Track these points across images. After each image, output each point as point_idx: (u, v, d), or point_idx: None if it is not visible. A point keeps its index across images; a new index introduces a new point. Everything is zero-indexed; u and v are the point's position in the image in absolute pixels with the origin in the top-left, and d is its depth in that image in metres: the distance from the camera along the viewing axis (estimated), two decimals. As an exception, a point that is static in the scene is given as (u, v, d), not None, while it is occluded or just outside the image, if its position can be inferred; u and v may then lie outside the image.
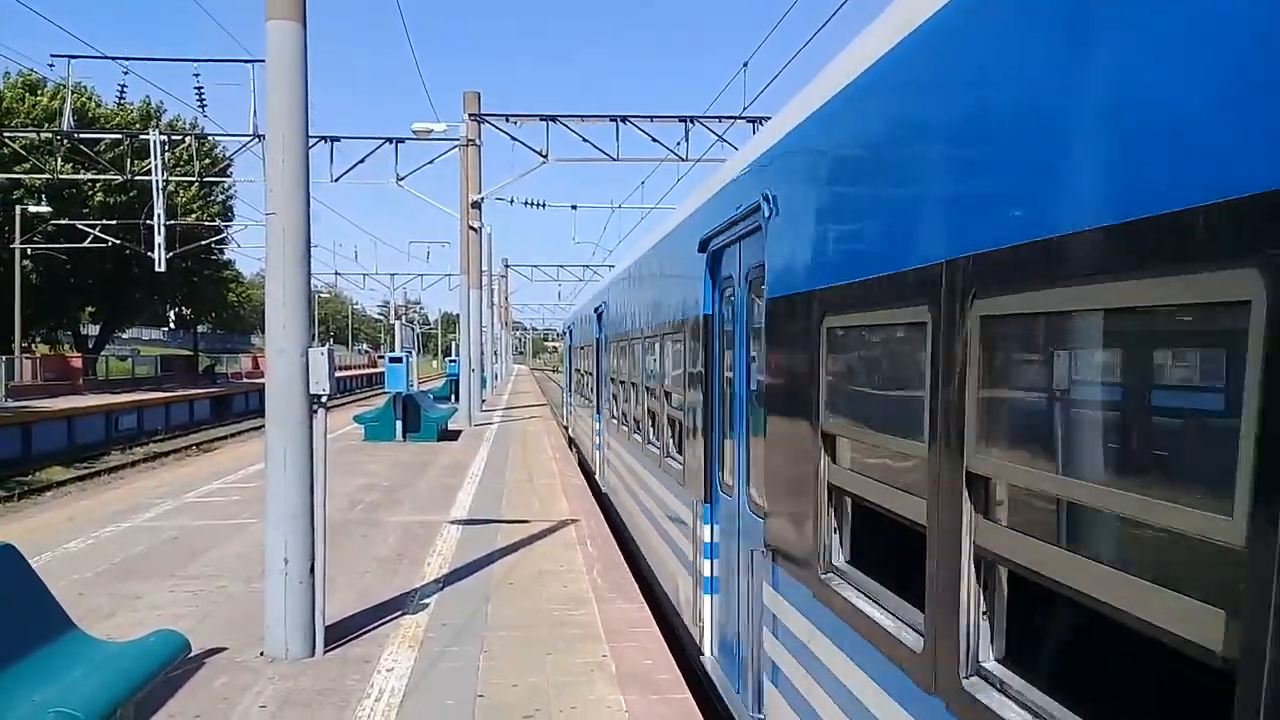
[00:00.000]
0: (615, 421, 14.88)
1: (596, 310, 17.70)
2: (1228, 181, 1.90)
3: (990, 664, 2.94)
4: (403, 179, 31.95)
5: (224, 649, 8.09)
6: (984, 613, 2.96)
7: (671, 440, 9.37)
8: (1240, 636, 1.85)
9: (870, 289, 3.80)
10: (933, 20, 3.32)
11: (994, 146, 2.98)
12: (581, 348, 22.02)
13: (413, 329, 34.32)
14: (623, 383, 13.75)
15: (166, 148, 35.41)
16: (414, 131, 31.33)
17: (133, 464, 32.39)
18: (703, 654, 7.51)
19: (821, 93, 4.60)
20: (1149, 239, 2.16)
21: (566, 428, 29.59)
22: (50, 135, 37.08)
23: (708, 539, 7.43)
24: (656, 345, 10.20)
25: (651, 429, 10.81)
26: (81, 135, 36.95)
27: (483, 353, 39.54)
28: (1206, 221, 1.96)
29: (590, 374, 19.76)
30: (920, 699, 3.25)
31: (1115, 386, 2.68)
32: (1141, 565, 2.43)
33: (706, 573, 7.46)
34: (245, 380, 69.85)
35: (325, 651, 7.98)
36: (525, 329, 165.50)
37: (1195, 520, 2.03)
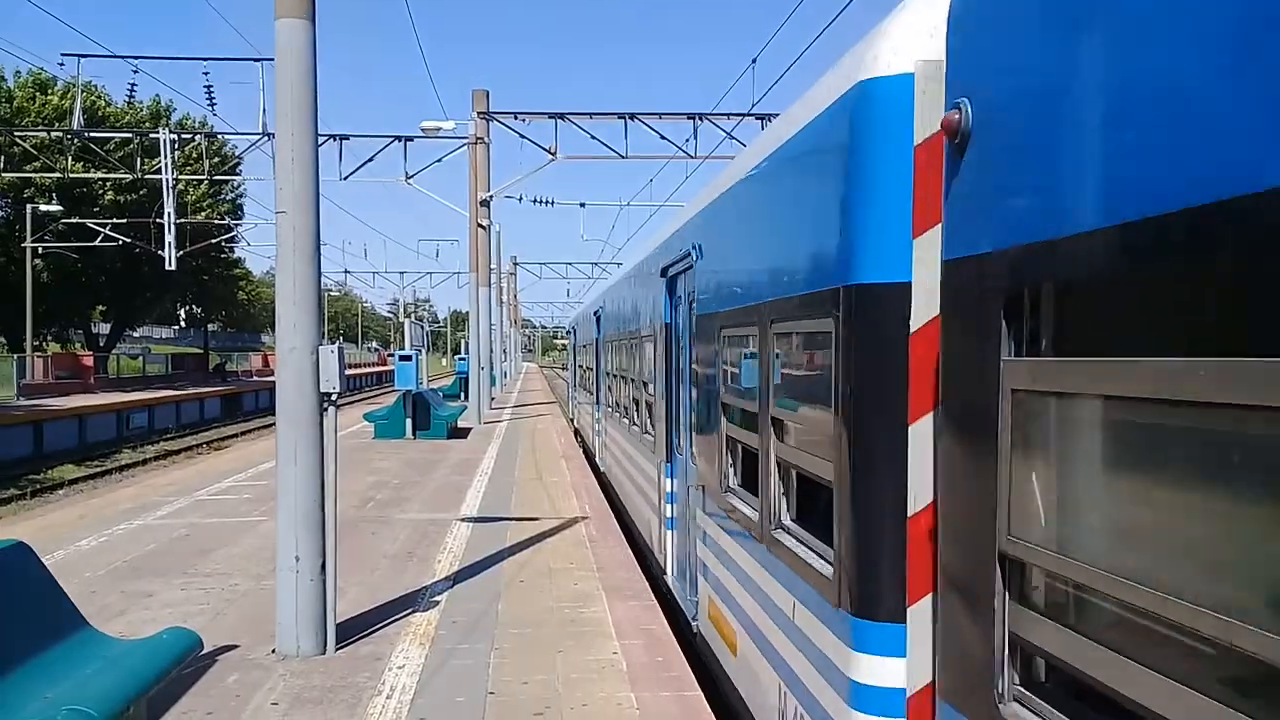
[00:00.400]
0: (609, 409, 17.33)
1: (595, 314, 19.87)
2: None
3: (787, 522, 5.37)
4: (412, 177, 32.02)
5: (236, 646, 8.11)
6: (782, 494, 5.43)
7: (647, 419, 11.73)
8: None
9: (740, 314, 6.17)
10: (754, 165, 6.04)
11: (781, 236, 5.42)
12: (583, 346, 24.42)
13: (422, 327, 34.36)
14: (614, 376, 16.05)
15: (176, 146, 35.52)
16: (423, 129, 31.37)
17: (144, 462, 32.49)
18: (665, 574, 10.00)
19: (718, 185, 7.32)
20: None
21: (572, 419, 32.01)
22: (60, 134, 37.27)
23: (668, 489, 9.85)
24: (637, 345, 12.54)
25: (634, 412, 13.17)
26: (91, 134, 37.16)
27: (492, 350, 39.56)
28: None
29: (590, 369, 21.94)
30: (757, 547, 5.73)
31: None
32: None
33: (667, 514, 9.88)
34: (256, 378, 69.98)
35: (336, 649, 8.00)
36: (534, 327, 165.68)
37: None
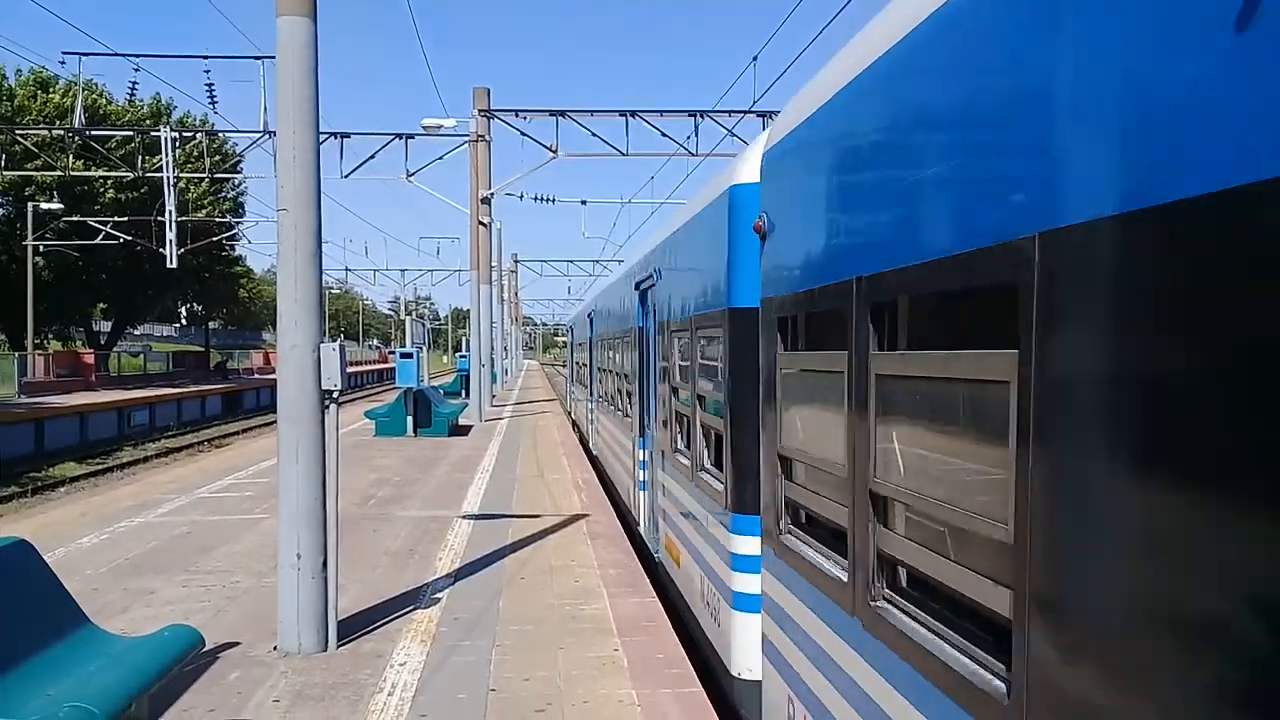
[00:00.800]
0: (600, 399, 20.27)
1: (589, 315, 22.86)
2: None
3: (707, 465, 7.71)
4: (413, 175, 32.01)
5: (237, 644, 8.13)
6: (703, 447, 7.73)
7: (628, 405, 13.97)
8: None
9: (688, 323, 8.26)
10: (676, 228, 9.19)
11: (697, 272, 7.94)
12: (579, 345, 27.66)
13: (423, 324, 34.39)
14: (604, 371, 18.88)
15: (177, 144, 35.50)
16: (424, 127, 31.36)
17: (145, 460, 32.52)
18: (638, 524, 12.57)
19: (669, 225, 10.27)
20: None
21: (569, 412, 35.66)
22: (62, 132, 37.23)
23: (642, 459, 12.17)
24: (620, 344, 15.07)
25: (618, 399, 15.84)
26: (93, 132, 37.13)
27: (493, 348, 39.56)
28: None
29: (585, 365, 24.90)
30: (689, 485, 8.19)
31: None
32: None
33: (641, 478, 12.19)
34: (257, 376, 69.98)
35: (338, 646, 8.01)
36: (535, 324, 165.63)
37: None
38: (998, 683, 2.84)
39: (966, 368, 3.12)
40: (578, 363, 28.93)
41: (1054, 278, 2.48)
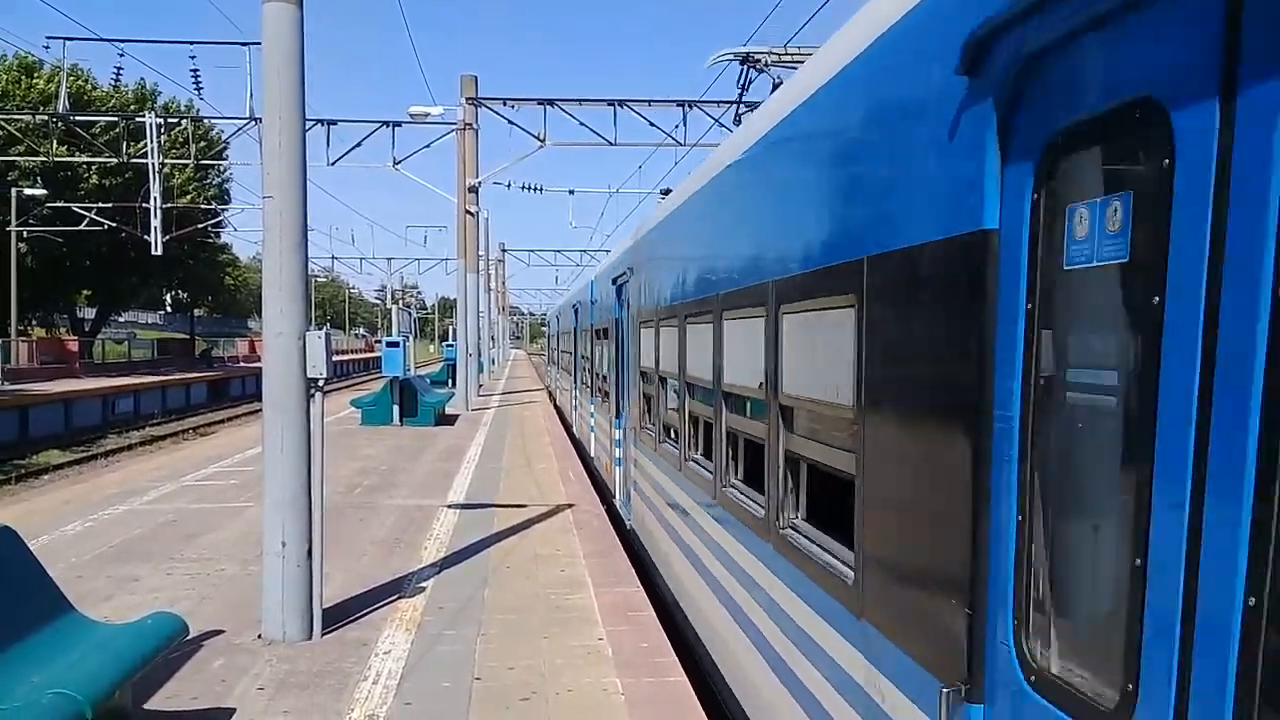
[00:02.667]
0: (581, 383, 22.04)
1: (574, 307, 23.70)
2: None
3: (670, 438, 9.11)
4: (400, 163, 31.87)
5: (222, 631, 8.12)
6: (663, 422, 9.47)
7: (609, 389, 15.19)
8: None
9: (656, 312, 9.40)
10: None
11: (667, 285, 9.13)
12: (564, 333, 29.03)
13: (410, 313, 34.28)
14: (585, 357, 20.52)
15: (162, 130, 35.27)
16: (411, 115, 31.23)
17: (130, 447, 32.40)
18: (614, 498, 14.16)
19: (640, 227, 11.50)
20: None
21: (548, 386, 40.34)
22: (46, 118, 36.93)
23: (618, 437, 13.80)
24: (602, 334, 16.41)
25: (599, 384, 17.19)
26: (77, 118, 36.82)
27: (480, 337, 39.49)
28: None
29: (569, 352, 26.17)
30: (654, 455, 9.78)
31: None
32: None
33: (617, 455, 13.85)
34: (242, 364, 69.83)
35: (323, 634, 8.02)
36: (522, 314, 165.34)
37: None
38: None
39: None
40: (562, 351, 30.60)
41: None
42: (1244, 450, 1.97)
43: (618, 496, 13.66)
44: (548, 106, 29.66)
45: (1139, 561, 2.28)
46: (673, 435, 8.83)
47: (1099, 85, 2.53)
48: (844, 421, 4.17)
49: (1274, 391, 1.93)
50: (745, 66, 10.20)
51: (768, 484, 5.30)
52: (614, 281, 13.36)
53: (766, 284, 5.19)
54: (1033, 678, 2.73)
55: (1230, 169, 2.05)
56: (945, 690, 3.04)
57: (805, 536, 4.81)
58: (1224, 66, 2.07)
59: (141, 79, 55.74)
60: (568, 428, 26.03)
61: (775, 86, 9.07)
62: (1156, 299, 2.23)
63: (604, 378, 16.06)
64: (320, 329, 8.05)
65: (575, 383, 23.63)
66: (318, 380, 7.92)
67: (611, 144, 30.04)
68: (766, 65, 10.03)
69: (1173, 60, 2.24)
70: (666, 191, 14.22)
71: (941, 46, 3.10)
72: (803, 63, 6.65)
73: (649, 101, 29.92)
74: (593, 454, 18.65)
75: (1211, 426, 2.07)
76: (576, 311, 22.47)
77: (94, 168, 48.57)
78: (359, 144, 31.84)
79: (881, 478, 3.74)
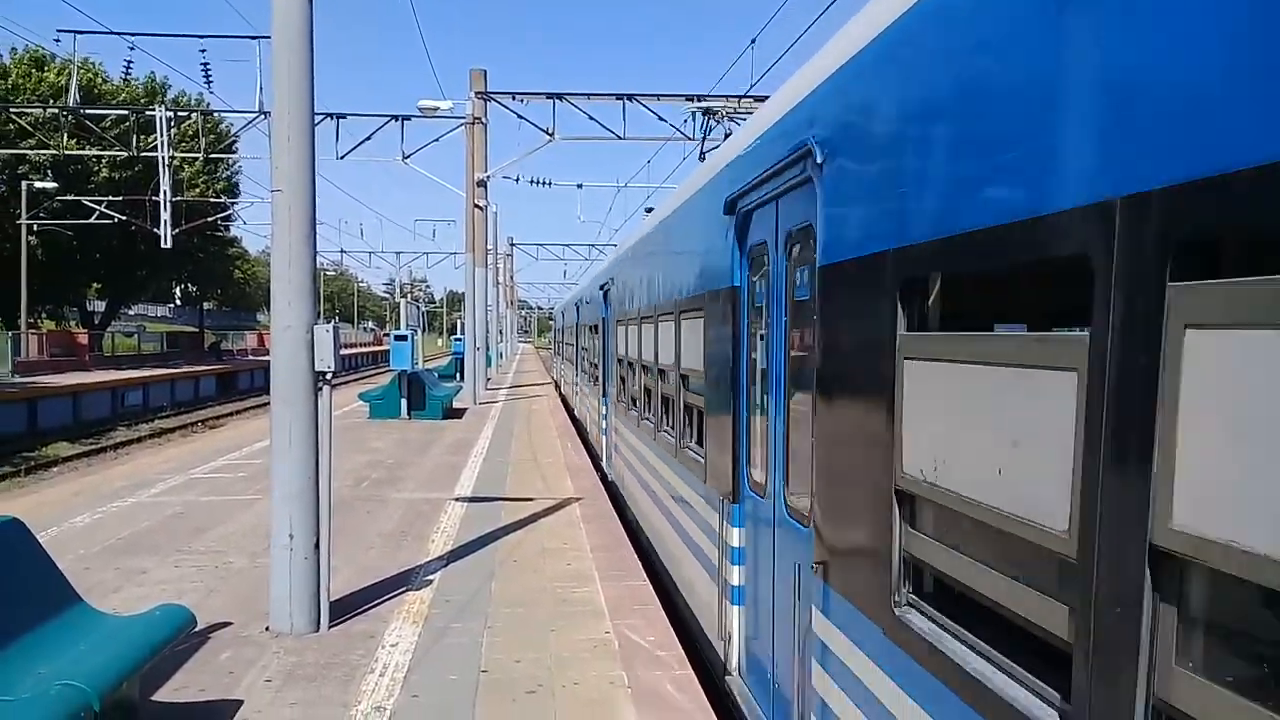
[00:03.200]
0: (579, 370, 26.00)
1: (575, 305, 27.80)
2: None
3: (633, 409, 13.02)
4: (409, 157, 31.94)
5: (229, 624, 8.15)
6: (631, 398, 12.98)
7: (600, 375, 18.59)
8: None
9: (625, 314, 13.16)
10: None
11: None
12: (566, 328, 34.16)
13: (418, 307, 34.34)
14: (583, 348, 24.16)
15: (172, 124, 35.34)
16: (420, 109, 31.26)
17: (138, 440, 32.49)
18: (602, 461, 17.46)
19: (620, 244, 17.11)
20: None
21: (550, 369, 46.63)
22: (56, 111, 37.04)
23: (605, 413, 17.18)
24: (593, 329, 19.64)
25: (591, 370, 21.09)
26: (87, 111, 36.94)
27: (488, 331, 39.51)
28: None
29: (571, 345, 30.87)
30: (619, 416, 14.75)
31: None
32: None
33: (603, 425, 17.45)
34: (251, 357, 69.91)
35: (330, 627, 8.03)
36: (530, 308, 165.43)
37: None
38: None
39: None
40: (566, 343, 36.93)
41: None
42: (741, 388, 6.31)
43: (604, 458, 17.42)
44: (557, 101, 29.64)
45: (746, 427, 6.22)
46: (632, 402, 12.78)
47: (763, 227, 5.78)
48: (695, 380, 8.20)
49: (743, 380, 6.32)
50: (706, 117, 13.79)
51: (674, 421, 9.27)
52: (601, 287, 17.29)
53: (672, 301, 9.13)
54: (754, 488, 6.16)
55: (784, 276, 5.31)
56: (722, 499, 6.78)
57: (689, 450, 8.46)
58: (740, 233, 6.27)
59: (152, 73, 55.82)
60: (570, 412, 29.25)
61: (727, 135, 12.02)
62: (765, 325, 5.76)
63: (594, 365, 20.34)
64: (328, 322, 8.06)
65: (575, 370, 28.27)
66: (325, 374, 7.93)
67: (620, 138, 30.02)
68: (723, 117, 13.35)
69: (768, 224, 5.62)
70: (650, 209, 16.91)
71: (720, 201, 6.53)
72: (750, 113, 9.75)
73: (658, 96, 29.89)
74: (587, 428, 22.72)
75: (755, 381, 6.05)
76: (577, 309, 26.59)
77: (104, 161, 48.67)
78: (368, 138, 32.00)
79: (711, 406, 7.28)
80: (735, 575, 6.45)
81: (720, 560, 6.81)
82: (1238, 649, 2.11)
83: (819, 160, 4.31)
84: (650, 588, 9.47)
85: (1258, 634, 2.07)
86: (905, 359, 3.40)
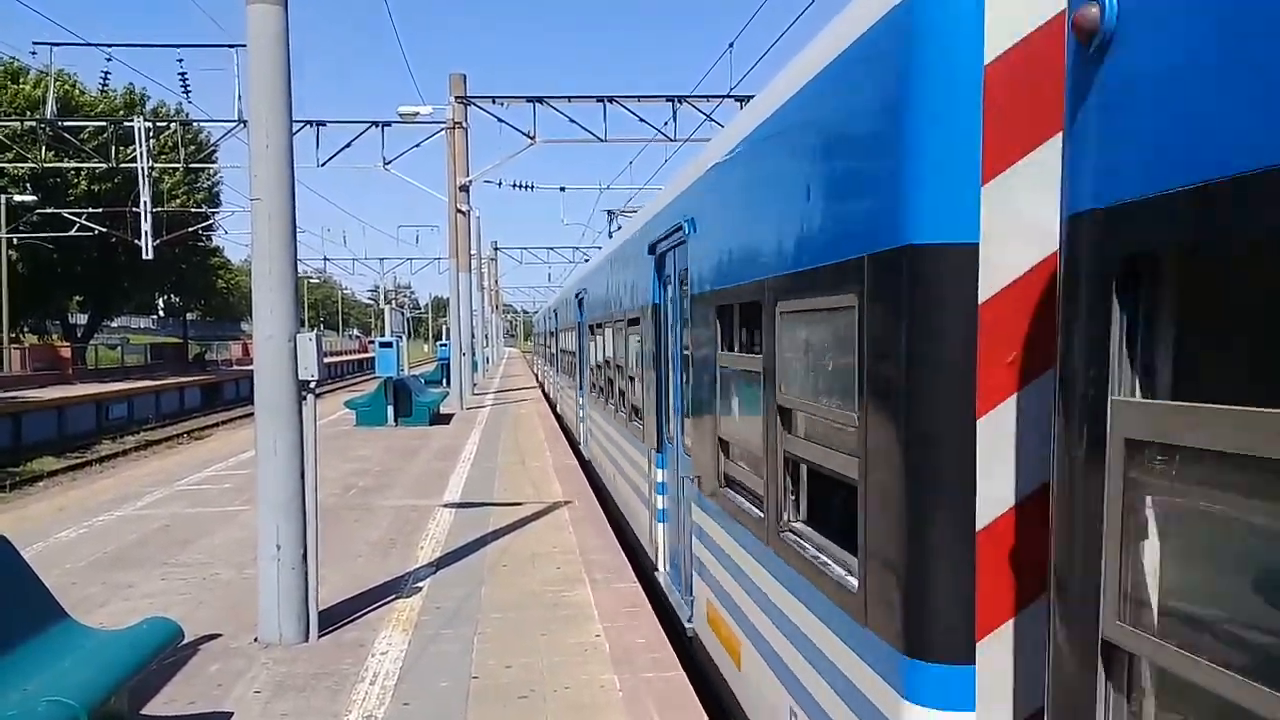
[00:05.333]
0: (560, 369, 27.81)
1: (553, 310, 30.90)
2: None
3: (602, 396, 15.52)
4: (390, 163, 31.83)
5: (218, 635, 8.11)
6: (617, 400, 13.14)
7: (578, 371, 20.20)
8: None
9: (594, 319, 15.84)
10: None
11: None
12: (548, 333, 35.97)
13: (403, 313, 34.25)
14: (564, 349, 25.13)
15: (151, 134, 35.17)
16: (400, 114, 31.16)
17: (124, 453, 32.33)
18: (579, 443, 19.65)
19: (590, 261, 21.81)
20: None
21: (533, 369, 49.96)
22: (34, 124, 36.81)
23: (582, 403, 19.18)
24: (576, 330, 20.44)
25: (572, 368, 22.22)
26: (65, 123, 36.70)
27: (473, 336, 39.46)
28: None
29: (552, 346, 32.43)
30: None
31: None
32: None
33: (580, 414, 19.74)
34: (236, 367, 69.69)
35: (319, 636, 8.00)
36: (516, 312, 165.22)
37: None
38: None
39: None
40: (545, 346, 39.82)
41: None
42: (661, 374, 9.08)
43: (581, 441, 19.52)
44: (537, 104, 29.60)
45: (664, 400, 9.03)
46: (600, 390, 15.10)
47: (669, 265, 8.43)
48: (635, 370, 10.94)
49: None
50: (611, 217, 18.95)
51: (626, 399, 11.85)
52: (577, 295, 19.42)
53: (623, 312, 11.60)
54: (669, 439, 8.87)
55: (679, 299, 8.09)
56: (651, 450, 9.63)
57: (635, 423, 10.94)
58: (658, 267, 9.07)
59: (129, 83, 55.57)
60: (553, 407, 31.70)
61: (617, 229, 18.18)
62: (671, 331, 8.60)
63: (572, 362, 22.31)
64: (311, 331, 8.03)
65: (556, 369, 30.55)
66: (309, 382, 7.90)
67: (602, 140, 30.00)
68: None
69: (672, 264, 8.39)
70: (619, 228, 20.89)
71: (646, 244, 9.10)
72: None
73: (639, 97, 29.90)
74: (568, 418, 24.82)
75: (668, 369, 8.76)
76: (556, 314, 29.53)
77: (83, 173, 48.32)
78: (348, 145, 31.80)
79: (645, 387, 9.81)
80: (659, 501, 9.36)
81: (650, 493, 9.80)
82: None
83: (687, 231, 7.13)
84: (641, 590, 9.47)
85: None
86: (720, 352, 6.15)
